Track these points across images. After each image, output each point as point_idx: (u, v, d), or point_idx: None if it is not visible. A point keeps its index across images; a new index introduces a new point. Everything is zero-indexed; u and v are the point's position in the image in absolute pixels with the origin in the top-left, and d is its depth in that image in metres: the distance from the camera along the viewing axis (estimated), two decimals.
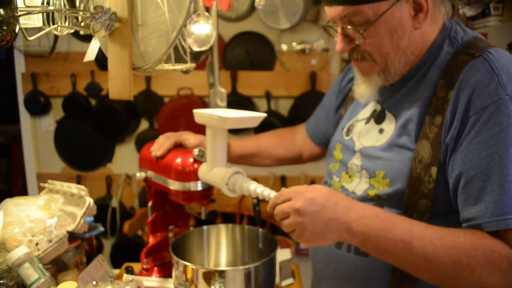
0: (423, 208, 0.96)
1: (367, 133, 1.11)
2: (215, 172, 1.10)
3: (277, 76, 2.55)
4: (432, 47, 1.02)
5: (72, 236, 1.23)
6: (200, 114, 1.08)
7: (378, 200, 1.03)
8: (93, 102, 2.69)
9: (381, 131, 1.08)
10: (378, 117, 1.10)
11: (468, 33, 1.03)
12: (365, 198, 1.06)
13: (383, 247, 0.88)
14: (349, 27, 0.98)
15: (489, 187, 0.87)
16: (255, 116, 1.05)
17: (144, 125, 2.72)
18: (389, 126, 1.06)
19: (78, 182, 2.76)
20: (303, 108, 2.48)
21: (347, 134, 1.18)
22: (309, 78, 2.52)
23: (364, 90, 1.08)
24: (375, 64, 1.02)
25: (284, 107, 2.59)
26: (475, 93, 0.91)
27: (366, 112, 1.15)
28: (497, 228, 0.86)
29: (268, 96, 2.56)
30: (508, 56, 0.94)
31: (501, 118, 0.87)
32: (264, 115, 1.06)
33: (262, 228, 1.51)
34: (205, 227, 1.36)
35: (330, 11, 1.00)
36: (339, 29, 1.01)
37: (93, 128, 2.65)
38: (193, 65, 1.19)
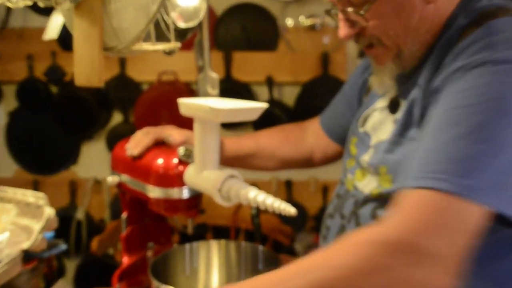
0: None
1: (381, 124, 1.14)
2: (205, 176, 1.10)
3: (281, 58, 2.55)
4: (447, 22, 1.04)
5: (27, 256, 1.23)
6: (186, 104, 1.08)
7: (381, 200, 1.06)
8: (54, 89, 2.70)
9: (395, 121, 1.10)
10: (392, 106, 1.13)
11: (494, 1, 1.04)
12: (368, 198, 1.10)
13: None
14: (349, 9, 1.01)
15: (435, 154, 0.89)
16: (254, 107, 1.05)
17: (117, 118, 2.73)
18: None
19: (36, 189, 2.76)
20: (313, 97, 2.49)
21: (362, 126, 1.21)
22: (320, 60, 2.52)
23: (380, 80, 1.11)
24: (387, 50, 1.06)
25: (289, 96, 2.60)
26: (459, 57, 0.95)
27: (385, 100, 1.17)
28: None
29: (270, 82, 2.56)
30: None
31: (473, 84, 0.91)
32: (265, 105, 1.06)
33: (262, 244, 1.51)
34: (192, 244, 1.36)
35: None
36: (340, 13, 1.05)
37: (54, 122, 2.66)
38: (178, 44, 1.20)
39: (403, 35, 1.03)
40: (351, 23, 1.05)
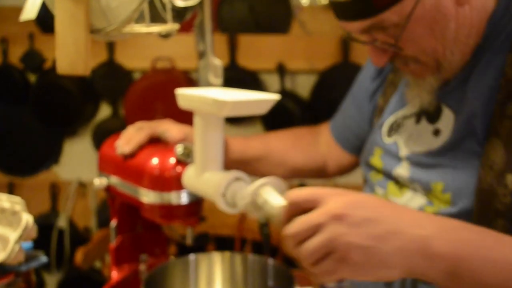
0: (500, 231, 0.96)
1: (419, 136, 1.15)
2: (206, 178, 1.10)
3: (294, 42, 2.55)
4: (490, 21, 1.06)
5: (2, 269, 1.24)
6: (185, 95, 1.09)
7: None
8: (32, 78, 2.70)
9: (436, 132, 1.12)
10: (431, 114, 1.14)
11: None
12: None
13: (484, 278, 0.83)
14: (377, 43, 1.05)
15: None
16: (263, 99, 1.05)
17: (105, 111, 2.73)
18: (447, 125, 1.10)
19: (11, 193, 2.78)
20: (331, 87, 2.49)
21: (389, 135, 1.22)
22: (340, 45, 2.52)
23: (417, 94, 1.14)
24: (425, 65, 1.08)
25: (304, 86, 2.59)
26: None
27: (413, 106, 1.19)
28: None
29: (281, 70, 2.56)
30: None
31: None
32: (275, 97, 1.06)
33: (272, 257, 1.51)
34: (191, 256, 1.36)
35: (347, 27, 1.06)
36: (366, 41, 1.08)
37: (32, 116, 2.66)
38: (176, 26, 1.20)
39: (441, 49, 1.05)
40: (382, 48, 1.07)
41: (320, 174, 1.49)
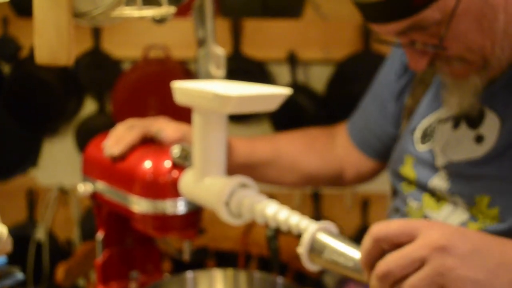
0: None
1: (458, 143, 1.15)
2: (207, 184, 1.11)
3: (307, 27, 2.56)
4: None
5: None
6: (182, 90, 1.09)
7: None
8: (6, 69, 2.71)
9: (479, 138, 1.12)
10: (473, 118, 1.14)
11: None
12: None
13: None
14: (418, 45, 1.04)
15: None
16: (272, 94, 1.06)
17: (90, 106, 2.74)
18: (492, 131, 1.10)
19: None
20: (349, 80, 2.49)
21: (423, 142, 1.22)
22: (359, 32, 2.52)
23: (459, 98, 1.13)
24: (470, 64, 1.08)
25: (319, 78, 2.60)
26: None
27: (449, 109, 1.19)
28: None
29: (292, 60, 2.56)
30: None
31: None
32: (286, 91, 1.06)
33: (281, 276, 1.52)
34: (189, 273, 1.37)
35: (380, 29, 1.06)
36: (403, 44, 1.08)
37: (6, 112, 2.67)
38: (172, 9, 1.20)
39: (489, 45, 1.04)
40: (421, 50, 1.07)
41: (336, 181, 1.49)
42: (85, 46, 2.63)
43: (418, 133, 1.24)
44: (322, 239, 0.90)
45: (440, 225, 0.83)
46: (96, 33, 2.63)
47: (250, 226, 2.22)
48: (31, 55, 2.55)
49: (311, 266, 0.93)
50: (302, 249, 0.91)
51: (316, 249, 0.90)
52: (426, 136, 1.22)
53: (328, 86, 2.56)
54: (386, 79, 1.39)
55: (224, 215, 1.07)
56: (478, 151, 1.11)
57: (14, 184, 2.80)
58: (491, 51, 1.05)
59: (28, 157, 2.79)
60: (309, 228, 0.92)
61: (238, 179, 1.07)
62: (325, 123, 2.54)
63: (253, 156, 1.40)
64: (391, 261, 0.80)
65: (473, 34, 1.03)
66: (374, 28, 1.07)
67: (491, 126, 1.11)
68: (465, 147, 1.14)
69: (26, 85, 2.64)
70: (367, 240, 0.83)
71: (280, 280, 1.34)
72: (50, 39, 1.03)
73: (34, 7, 1.03)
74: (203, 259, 2.23)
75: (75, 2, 1.03)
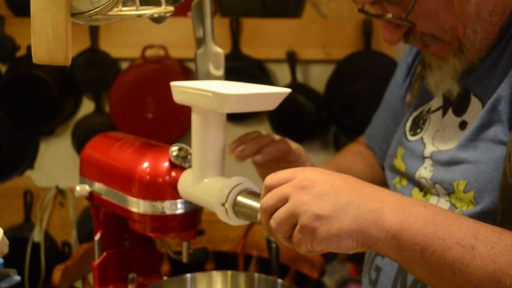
0: None
1: (445, 130, 1.17)
2: (206, 185, 1.11)
3: (307, 27, 2.56)
4: None
5: None
6: (181, 89, 1.09)
7: None
8: (2, 68, 2.71)
9: (462, 124, 1.14)
10: (459, 104, 1.16)
11: None
12: None
13: (425, 252, 0.86)
14: (387, 15, 1.09)
15: None
16: (272, 93, 1.05)
17: (87, 107, 2.74)
18: (475, 116, 1.11)
19: None
20: (350, 80, 2.48)
21: (413, 133, 1.24)
22: (360, 30, 2.52)
23: (439, 79, 1.17)
24: (446, 45, 1.12)
25: (319, 78, 2.60)
26: None
27: (440, 99, 1.21)
28: None
29: (292, 59, 2.56)
30: None
31: None
32: (286, 91, 1.06)
33: (281, 278, 1.51)
34: (188, 275, 1.37)
35: None
36: (376, 14, 1.13)
37: (2, 112, 2.67)
38: (170, 9, 1.20)
39: (461, 26, 1.08)
40: (394, 23, 1.12)
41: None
42: (82, 45, 2.63)
43: (409, 125, 1.26)
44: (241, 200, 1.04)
45: (312, 170, 0.95)
46: (94, 32, 2.63)
47: (250, 227, 2.21)
48: (27, 55, 2.54)
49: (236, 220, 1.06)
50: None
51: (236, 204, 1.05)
52: (417, 126, 1.24)
53: (328, 85, 2.56)
54: (394, 89, 1.42)
55: (223, 216, 1.07)
56: (460, 137, 1.12)
57: (10, 186, 2.80)
58: (463, 32, 1.09)
59: (24, 158, 2.78)
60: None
61: (237, 179, 1.07)
62: (325, 122, 2.55)
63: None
64: (268, 198, 0.94)
65: (444, 13, 1.07)
66: None
67: (474, 111, 1.12)
68: (451, 134, 1.15)
69: (22, 85, 2.63)
70: (262, 188, 0.97)
71: (280, 282, 1.33)
72: (47, 38, 1.03)
73: (32, 6, 1.03)
74: (202, 261, 2.22)
75: (72, 1, 1.03)
